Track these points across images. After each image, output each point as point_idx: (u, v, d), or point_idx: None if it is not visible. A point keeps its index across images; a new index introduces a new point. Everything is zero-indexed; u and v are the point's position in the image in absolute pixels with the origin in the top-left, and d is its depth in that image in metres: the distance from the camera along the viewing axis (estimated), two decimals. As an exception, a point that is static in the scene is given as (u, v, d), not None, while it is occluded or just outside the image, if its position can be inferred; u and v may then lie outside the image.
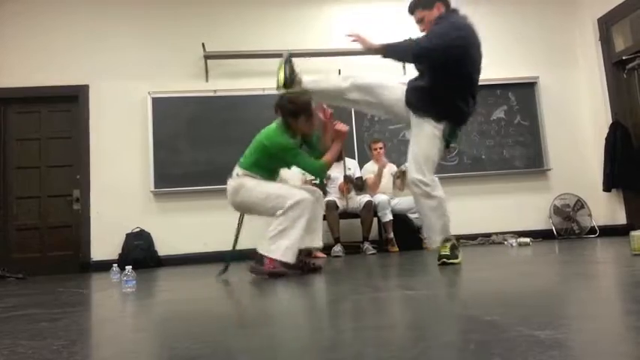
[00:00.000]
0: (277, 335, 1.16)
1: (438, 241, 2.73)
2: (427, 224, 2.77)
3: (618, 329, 1.00)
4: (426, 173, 2.65)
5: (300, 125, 2.85)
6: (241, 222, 3.16)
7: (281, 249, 2.66)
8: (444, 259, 2.65)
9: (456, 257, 2.71)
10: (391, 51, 2.70)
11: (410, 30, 6.01)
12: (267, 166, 2.91)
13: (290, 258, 2.67)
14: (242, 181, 2.88)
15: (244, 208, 3.00)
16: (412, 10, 2.84)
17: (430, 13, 2.73)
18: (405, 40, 2.68)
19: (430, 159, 2.68)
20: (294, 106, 2.81)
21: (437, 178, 2.73)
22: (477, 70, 2.68)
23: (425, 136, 2.68)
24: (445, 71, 2.60)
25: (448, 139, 2.72)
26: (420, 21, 2.79)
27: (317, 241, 2.93)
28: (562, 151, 5.69)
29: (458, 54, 2.55)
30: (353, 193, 4.92)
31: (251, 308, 1.69)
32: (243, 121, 5.34)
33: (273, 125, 2.91)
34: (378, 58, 5.86)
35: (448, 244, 2.69)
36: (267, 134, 2.88)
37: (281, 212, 2.71)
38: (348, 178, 4.82)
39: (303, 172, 4.78)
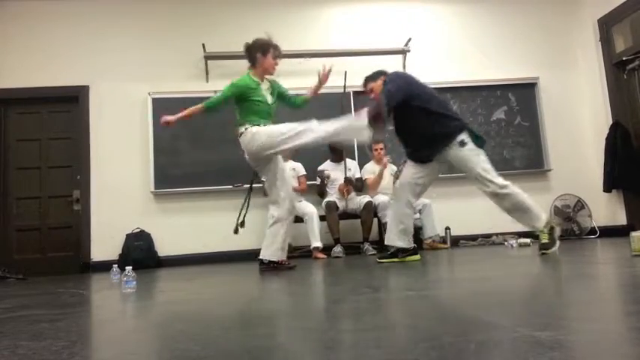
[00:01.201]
0: (277, 336, 1.16)
1: (543, 220, 3.04)
2: (518, 216, 3.13)
3: (619, 330, 1.00)
4: (493, 179, 3.07)
5: (263, 63, 3.33)
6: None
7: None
8: (544, 250, 3.02)
9: (554, 243, 3.03)
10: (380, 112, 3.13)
11: (408, 30, 6.03)
12: (247, 109, 3.26)
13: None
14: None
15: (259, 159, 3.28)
16: (365, 84, 3.49)
17: (376, 84, 3.35)
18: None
19: (486, 167, 3.11)
20: (255, 44, 3.36)
21: (506, 181, 3.12)
22: (427, 99, 3.19)
23: (464, 158, 3.11)
24: (410, 111, 3.15)
25: (475, 141, 3.13)
26: (370, 91, 3.42)
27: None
28: (562, 151, 5.69)
29: (407, 93, 3.14)
30: (353, 194, 4.92)
31: (251, 309, 1.69)
32: (243, 121, 5.35)
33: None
34: (376, 59, 5.90)
35: (546, 229, 3.04)
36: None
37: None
38: (348, 180, 4.83)
39: (295, 169, 4.92)
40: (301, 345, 1.03)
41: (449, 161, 3.20)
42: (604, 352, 0.83)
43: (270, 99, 3.36)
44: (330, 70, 3.42)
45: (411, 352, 0.89)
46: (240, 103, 3.27)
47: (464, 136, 3.09)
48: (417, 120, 3.17)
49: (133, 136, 5.30)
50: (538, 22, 5.94)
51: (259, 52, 3.32)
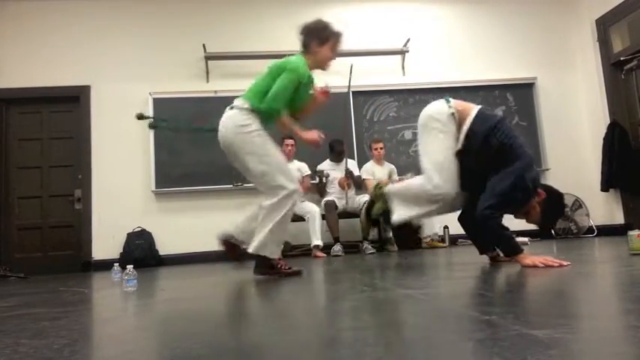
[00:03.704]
0: (277, 334, 1.17)
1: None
2: None
3: (617, 328, 1.00)
4: None
5: (325, 53, 2.70)
6: None
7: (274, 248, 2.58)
8: None
9: None
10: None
11: (406, 30, 6.03)
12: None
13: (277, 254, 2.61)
14: (242, 122, 2.54)
15: (231, 154, 2.63)
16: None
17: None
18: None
19: None
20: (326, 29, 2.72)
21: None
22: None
23: None
24: None
25: None
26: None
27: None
28: (560, 151, 5.70)
29: None
30: (353, 192, 4.93)
31: (251, 308, 1.69)
32: (243, 121, 5.36)
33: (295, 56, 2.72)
34: (376, 59, 5.82)
35: None
36: (287, 58, 2.67)
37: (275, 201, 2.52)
38: (349, 172, 4.84)
39: (300, 169, 4.82)
40: (300, 343, 1.04)
41: None
42: (602, 351, 0.83)
43: None
44: (328, 91, 2.81)
45: (409, 350, 0.90)
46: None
47: None
48: None
49: (134, 136, 5.32)
50: (536, 23, 5.96)
51: (316, 40, 2.74)
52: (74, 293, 2.61)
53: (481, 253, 2.80)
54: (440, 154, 2.55)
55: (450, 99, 2.64)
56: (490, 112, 2.68)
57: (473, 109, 2.58)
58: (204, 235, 5.21)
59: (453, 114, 2.54)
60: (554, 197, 2.56)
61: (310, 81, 2.76)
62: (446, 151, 2.55)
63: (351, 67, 4.75)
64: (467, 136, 2.51)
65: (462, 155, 2.56)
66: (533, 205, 2.49)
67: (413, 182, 2.78)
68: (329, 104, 5.30)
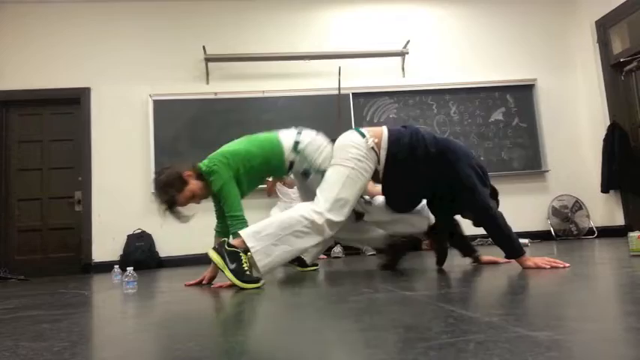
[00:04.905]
0: (277, 336, 1.17)
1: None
2: None
3: (617, 330, 1.00)
4: None
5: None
6: None
7: None
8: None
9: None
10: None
11: (406, 31, 6.04)
12: None
13: None
14: None
15: None
16: None
17: None
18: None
19: None
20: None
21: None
22: None
23: None
24: None
25: None
26: None
27: None
28: (560, 152, 5.71)
29: None
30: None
31: (252, 309, 1.69)
32: (243, 123, 5.36)
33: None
34: (375, 61, 5.81)
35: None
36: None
37: None
38: None
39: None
40: (301, 345, 1.04)
41: None
42: (602, 353, 0.83)
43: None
44: None
45: (409, 351, 0.90)
46: None
47: None
48: None
49: (134, 138, 5.32)
50: (536, 24, 5.97)
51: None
52: (74, 295, 2.61)
53: (464, 255, 2.78)
54: (351, 188, 2.38)
55: (362, 130, 2.52)
56: (396, 128, 2.55)
57: (382, 131, 2.48)
58: (204, 237, 5.21)
59: (372, 148, 2.42)
60: (492, 194, 2.55)
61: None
62: (357, 190, 2.42)
63: (339, 69, 4.77)
64: (387, 160, 2.43)
65: (387, 179, 2.49)
66: None
67: (279, 216, 2.38)
68: (327, 106, 5.34)
